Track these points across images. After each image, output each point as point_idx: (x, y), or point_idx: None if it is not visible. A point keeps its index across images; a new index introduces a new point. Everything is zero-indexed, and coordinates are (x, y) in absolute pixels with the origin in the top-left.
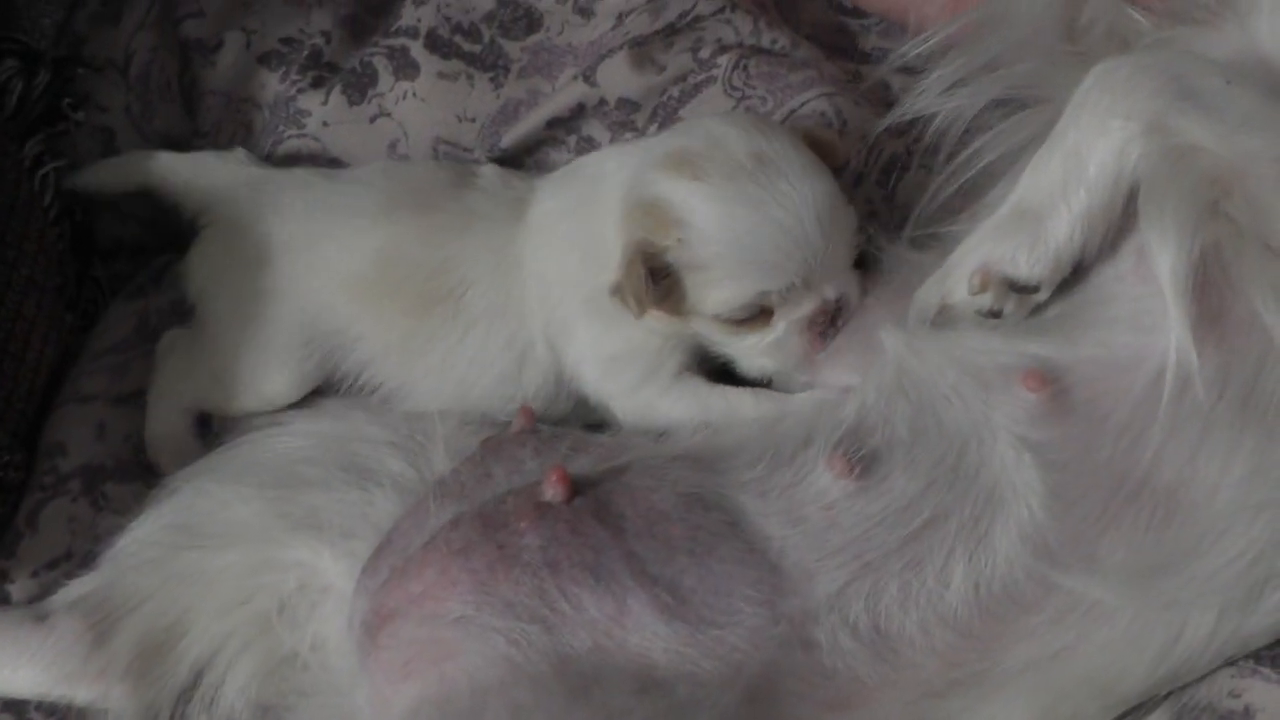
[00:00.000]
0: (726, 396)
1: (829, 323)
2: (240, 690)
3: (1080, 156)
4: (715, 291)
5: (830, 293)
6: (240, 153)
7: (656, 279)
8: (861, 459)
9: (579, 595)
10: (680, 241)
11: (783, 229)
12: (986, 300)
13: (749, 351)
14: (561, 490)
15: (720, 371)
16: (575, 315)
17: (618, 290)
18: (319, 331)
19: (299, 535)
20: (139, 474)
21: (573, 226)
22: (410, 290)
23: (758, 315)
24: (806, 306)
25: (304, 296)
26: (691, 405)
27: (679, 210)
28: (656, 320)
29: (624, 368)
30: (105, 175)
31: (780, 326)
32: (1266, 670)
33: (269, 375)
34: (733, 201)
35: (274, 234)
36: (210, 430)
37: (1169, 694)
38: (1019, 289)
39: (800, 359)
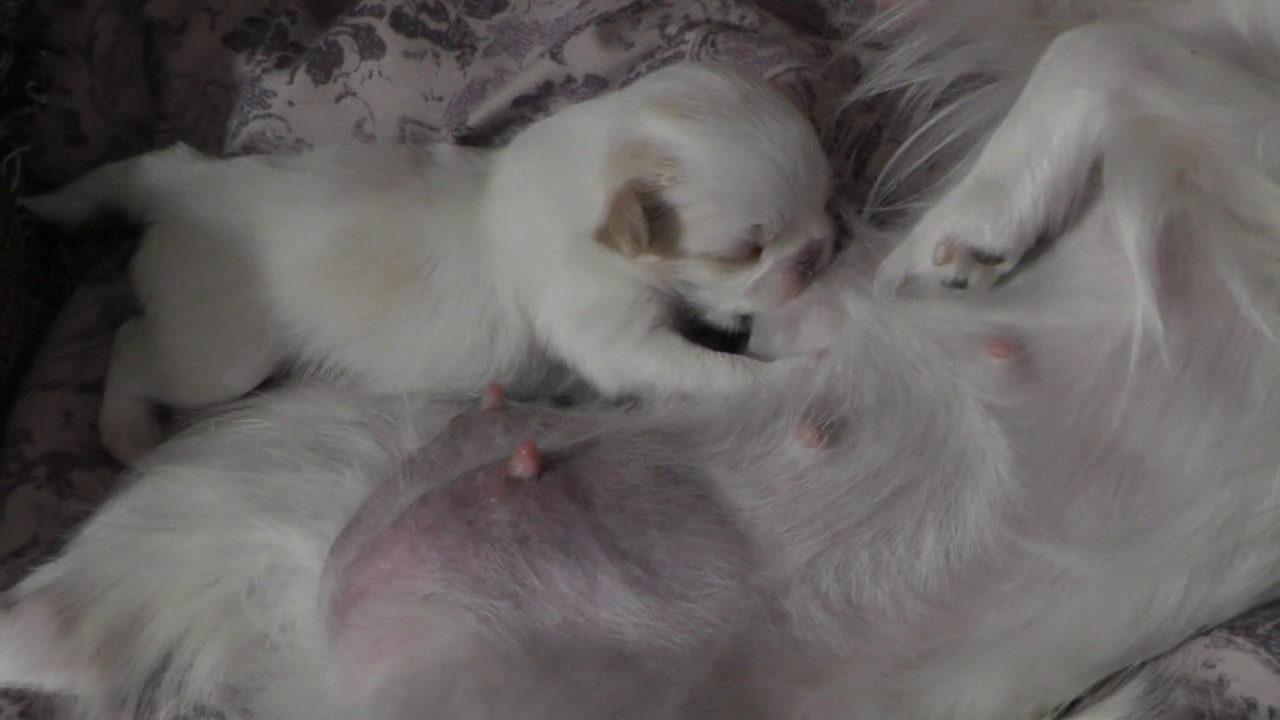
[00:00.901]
0: (702, 358)
1: (810, 263)
2: (209, 673)
3: (1044, 127)
4: (709, 228)
5: (816, 232)
6: (182, 148)
7: (648, 220)
8: (830, 427)
9: (549, 570)
10: (673, 180)
11: (775, 164)
12: (951, 271)
13: (733, 292)
14: (531, 465)
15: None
16: (548, 273)
17: (603, 234)
18: (273, 321)
19: (267, 516)
20: (105, 461)
21: (542, 185)
22: (375, 270)
23: (747, 254)
24: (794, 245)
25: (255, 288)
26: (665, 362)
27: (672, 148)
28: (642, 266)
29: (597, 322)
30: (56, 207)
31: (768, 263)
32: (1240, 640)
33: (219, 369)
34: (726, 137)
35: (220, 228)
36: (172, 416)
37: (1143, 664)
38: (984, 259)
39: (781, 299)
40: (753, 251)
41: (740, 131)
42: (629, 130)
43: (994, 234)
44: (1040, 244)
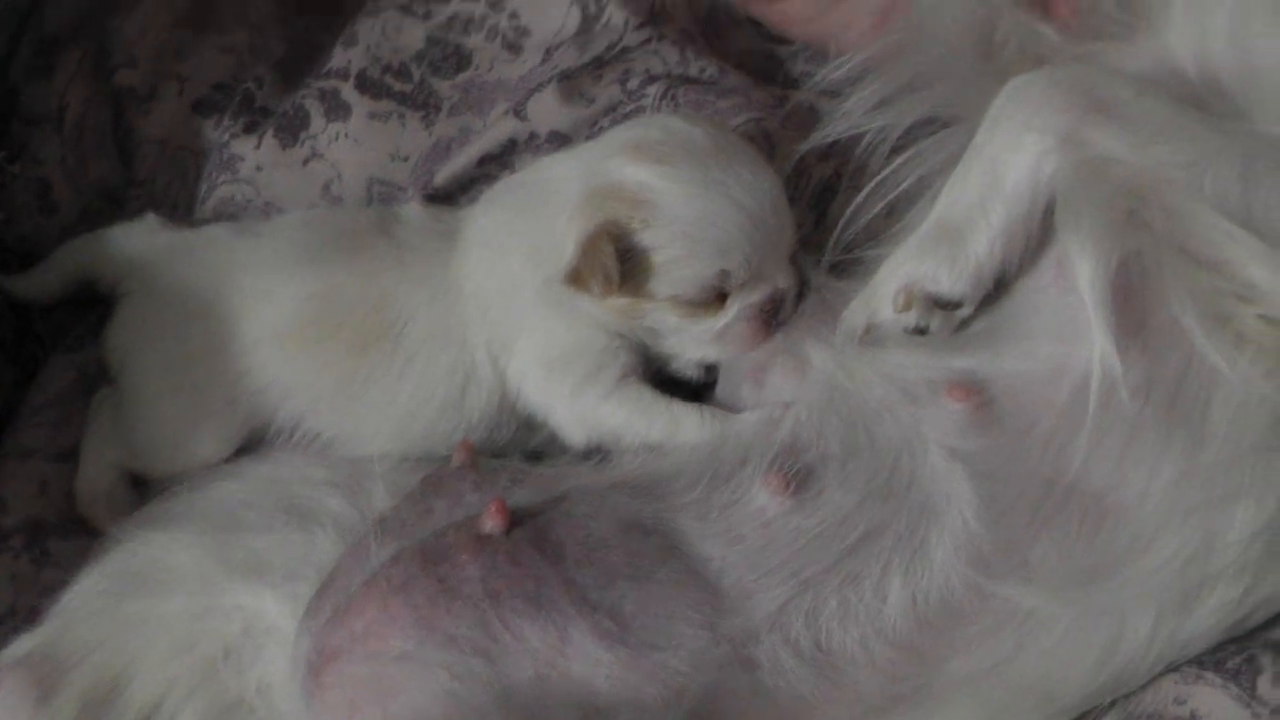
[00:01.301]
0: (671, 407)
1: (775, 312)
2: None
3: (997, 171)
4: (678, 270)
5: (782, 282)
6: (151, 219)
7: (619, 261)
8: (796, 474)
9: (520, 625)
10: (645, 222)
11: (745, 211)
12: (912, 318)
13: (698, 339)
14: (501, 521)
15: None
16: (520, 322)
17: (574, 276)
18: (245, 389)
19: (241, 579)
20: (81, 529)
21: (514, 233)
22: (346, 332)
23: (713, 299)
24: (760, 293)
25: (227, 356)
26: (634, 411)
27: (645, 192)
28: (611, 308)
29: (568, 369)
30: (30, 286)
31: (733, 310)
32: (1210, 675)
33: (194, 439)
34: (698, 183)
35: (191, 297)
36: (147, 482)
37: (1113, 702)
38: (943, 305)
39: (745, 348)
40: (719, 298)
41: (713, 178)
42: (603, 174)
43: (951, 279)
44: (998, 287)
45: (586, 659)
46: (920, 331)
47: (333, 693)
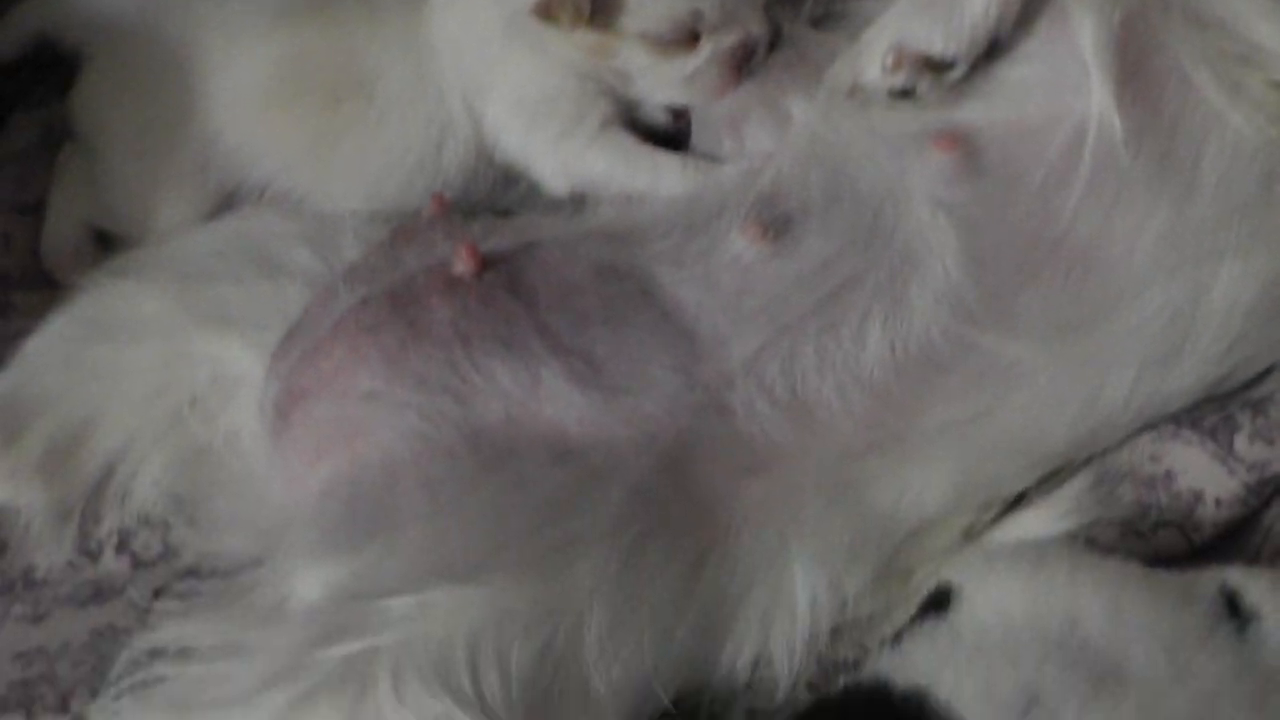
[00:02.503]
0: (654, 155)
1: (747, 58)
2: (154, 483)
3: None
4: (650, 6)
5: (754, 28)
6: None
7: None
8: (775, 222)
9: (491, 367)
10: None
11: None
12: (900, 79)
13: (670, 80)
14: (471, 264)
15: None
16: (492, 67)
17: (543, 8)
18: (218, 151)
19: (209, 328)
20: (46, 282)
21: None
22: (319, 89)
23: (685, 38)
24: (732, 36)
25: (197, 119)
26: (617, 159)
27: None
28: (581, 43)
29: (548, 117)
30: None
31: (705, 51)
32: (1187, 433)
33: (165, 203)
34: None
35: (159, 60)
36: (112, 238)
37: (1089, 460)
38: (934, 67)
39: (717, 93)
40: (691, 38)
41: None
42: None
43: (945, 39)
44: (990, 47)
45: (558, 401)
46: (906, 93)
47: (300, 433)
